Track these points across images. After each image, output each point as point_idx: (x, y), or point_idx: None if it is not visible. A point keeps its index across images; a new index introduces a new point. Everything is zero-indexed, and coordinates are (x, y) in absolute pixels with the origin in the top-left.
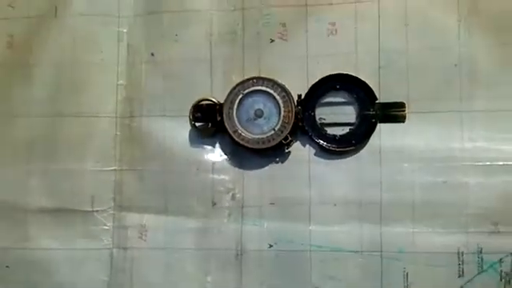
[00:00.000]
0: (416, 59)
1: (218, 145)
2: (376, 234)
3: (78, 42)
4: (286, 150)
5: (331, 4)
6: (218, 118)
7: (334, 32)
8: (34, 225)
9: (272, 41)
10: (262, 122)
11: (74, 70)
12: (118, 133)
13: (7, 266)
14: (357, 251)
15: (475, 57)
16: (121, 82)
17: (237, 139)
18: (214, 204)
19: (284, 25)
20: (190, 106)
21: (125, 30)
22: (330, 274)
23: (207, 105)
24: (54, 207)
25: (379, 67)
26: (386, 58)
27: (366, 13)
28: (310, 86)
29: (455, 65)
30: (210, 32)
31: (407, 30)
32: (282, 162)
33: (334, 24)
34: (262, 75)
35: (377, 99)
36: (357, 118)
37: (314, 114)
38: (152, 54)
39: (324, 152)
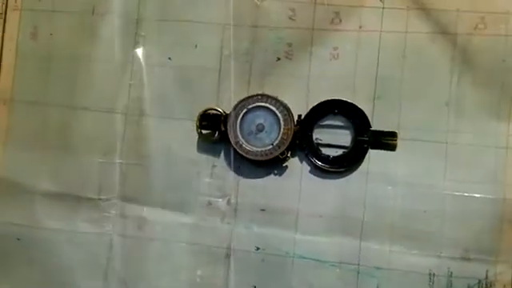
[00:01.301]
0: (409, 90)
1: (220, 152)
2: (355, 249)
3: (97, 40)
4: (283, 165)
5: (336, 30)
6: (222, 129)
7: (336, 56)
8: (40, 206)
9: (278, 59)
10: (262, 136)
11: (90, 66)
12: (127, 129)
13: (18, 239)
14: (336, 263)
15: (464, 97)
16: (133, 81)
17: (238, 150)
18: (209, 204)
19: (290, 45)
20: (197, 112)
21: (143, 33)
22: (309, 282)
23: (214, 114)
24: (61, 192)
25: (375, 94)
26: (382, 86)
27: (368, 41)
28: (309, 104)
29: (446, 104)
30: (221, 45)
31: (404, 62)
32: (279, 175)
33: (336, 49)
34: (266, 91)
35: (370, 126)
36: (351, 142)
37: (312, 135)
38: (169, 59)
39: (317, 170)
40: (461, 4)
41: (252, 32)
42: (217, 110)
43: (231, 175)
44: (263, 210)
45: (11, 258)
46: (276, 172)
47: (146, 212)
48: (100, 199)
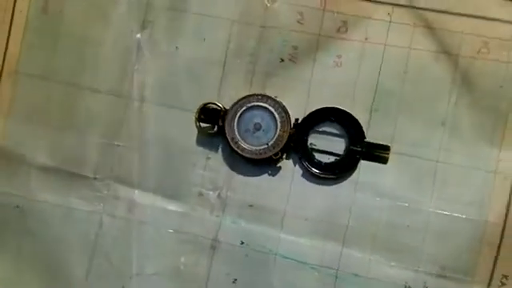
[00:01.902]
0: (407, 106)
1: (216, 146)
2: (336, 254)
3: (106, 22)
4: (277, 165)
5: (342, 38)
6: (220, 124)
7: (339, 64)
8: (36, 178)
9: (282, 60)
10: (258, 135)
11: (97, 47)
12: (128, 114)
13: (17, 206)
14: (316, 265)
15: (460, 118)
16: (138, 67)
17: (233, 146)
18: (200, 194)
19: (296, 48)
20: (198, 104)
21: (151, 19)
22: (289, 281)
23: (213, 109)
24: (58, 167)
25: (373, 106)
26: (381, 99)
27: (372, 53)
28: (308, 109)
29: (442, 123)
30: (228, 40)
31: (405, 77)
32: (273, 176)
33: (340, 57)
34: (267, 91)
35: (365, 138)
36: (344, 151)
37: (307, 139)
38: (176, 48)
39: (309, 174)
40: (466, 27)
41: (259, 31)
42: (217, 105)
43: (225, 169)
44: (251, 205)
45: (6, 227)
46: (269, 172)
47: (138, 195)
48: (95, 178)
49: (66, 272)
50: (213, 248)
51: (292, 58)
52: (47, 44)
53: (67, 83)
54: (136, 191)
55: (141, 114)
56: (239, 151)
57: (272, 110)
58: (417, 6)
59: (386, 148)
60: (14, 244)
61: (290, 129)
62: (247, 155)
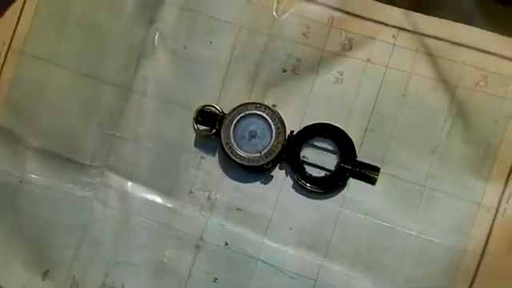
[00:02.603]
0: (402, 129)
1: (212, 147)
2: (316, 265)
3: (115, 12)
4: (270, 174)
5: (345, 56)
6: (217, 128)
7: (339, 81)
8: (32, 159)
9: (284, 71)
10: (253, 142)
11: (104, 36)
12: (128, 106)
13: (10, 185)
14: (295, 274)
15: (451, 147)
16: (144, 61)
17: (227, 151)
18: (191, 193)
19: (299, 60)
20: (198, 104)
21: (162, 15)
22: (267, 286)
23: (211, 112)
24: (53, 151)
25: (368, 125)
26: (377, 120)
27: (373, 73)
28: (304, 122)
29: (432, 151)
30: (234, 45)
31: (403, 100)
32: (265, 184)
33: (341, 74)
34: (267, 100)
35: (356, 156)
36: (335, 167)
37: (299, 152)
38: (184, 47)
39: (298, 186)
40: (468, 58)
41: (265, 40)
42: (215, 108)
43: (217, 171)
44: (239, 209)
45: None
46: (261, 180)
47: (130, 187)
48: (90, 166)
49: (53, 253)
50: (197, 246)
51: (294, 69)
52: (55, 28)
53: (70, 69)
54: (129, 182)
55: (141, 107)
56: (232, 156)
57: (269, 119)
58: (422, 32)
59: (376, 169)
60: (4, 221)
61: (284, 140)
62: (240, 161)
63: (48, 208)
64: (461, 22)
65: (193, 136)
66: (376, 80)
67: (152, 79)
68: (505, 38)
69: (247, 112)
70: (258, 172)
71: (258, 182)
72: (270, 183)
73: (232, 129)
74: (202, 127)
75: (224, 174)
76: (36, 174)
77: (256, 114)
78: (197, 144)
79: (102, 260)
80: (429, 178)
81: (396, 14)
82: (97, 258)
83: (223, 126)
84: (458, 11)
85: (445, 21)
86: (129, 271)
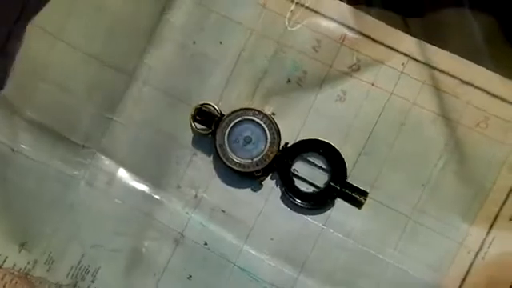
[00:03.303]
0: (395, 157)
1: (206, 146)
2: (292, 279)
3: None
4: (260, 182)
5: (351, 76)
6: (213, 128)
7: (342, 99)
8: (25, 131)
9: (289, 81)
10: (247, 148)
11: (115, 20)
12: (129, 92)
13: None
14: (269, 284)
15: (442, 184)
16: (150, 48)
17: (220, 152)
18: (178, 187)
19: (305, 72)
20: (198, 101)
21: (176, 6)
22: None
23: (209, 112)
24: (49, 126)
25: (363, 149)
26: (373, 144)
27: (376, 97)
28: (300, 135)
29: (423, 184)
30: (243, 47)
31: (401, 129)
32: (254, 191)
33: (345, 93)
34: (267, 107)
35: (346, 178)
36: (324, 185)
37: (291, 164)
38: (194, 43)
39: (285, 198)
40: (472, 97)
41: (274, 47)
42: (214, 109)
43: (208, 171)
44: (224, 211)
45: None
46: (251, 187)
47: (120, 172)
48: (82, 146)
49: (33, 227)
50: (176, 241)
51: (299, 81)
52: (66, 4)
53: (76, 48)
54: (119, 168)
55: (141, 95)
56: (224, 159)
57: (265, 128)
58: (432, 64)
59: (364, 193)
60: None
61: (278, 151)
62: (230, 165)
63: (35, 181)
64: (469, 58)
65: (188, 131)
66: (378, 104)
67: (156, 69)
68: (510, 82)
69: (245, 117)
70: (248, 178)
71: (247, 188)
72: (259, 192)
73: (227, 132)
74: (198, 125)
75: (214, 175)
76: (28, 145)
77: (253, 121)
78: (191, 140)
79: (80, 240)
80: (415, 210)
81: (409, 42)
82: (76, 238)
83: (219, 128)
84: (467, 47)
85: (456, 57)
86: (106, 256)
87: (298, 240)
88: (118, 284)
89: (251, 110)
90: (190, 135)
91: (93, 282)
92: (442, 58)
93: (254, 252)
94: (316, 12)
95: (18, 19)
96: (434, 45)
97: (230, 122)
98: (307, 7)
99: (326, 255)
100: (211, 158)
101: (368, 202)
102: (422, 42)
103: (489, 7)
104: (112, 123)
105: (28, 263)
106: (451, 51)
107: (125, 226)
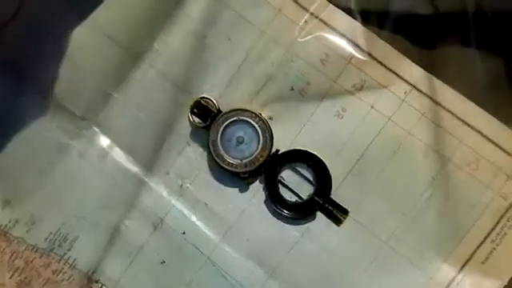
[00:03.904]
0: (382, 183)
1: (201, 138)
2: (260, 282)
3: None
4: (248, 184)
5: (353, 95)
6: (207, 123)
7: (340, 116)
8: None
9: (291, 89)
10: (239, 148)
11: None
12: (133, 73)
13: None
14: (237, 284)
15: (423, 216)
16: (162, 36)
17: (211, 147)
18: (167, 174)
19: (309, 83)
20: (200, 93)
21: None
22: (208, 286)
23: (206, 106)
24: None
25: (352, 169)
26: (362, 166)
27: (373, 120)
28: (293, 145)
29: (403, 213)
30: (251, 48)
31: (393, 156)
32: (240, 192)
33: (344, 110)
34: (265, 110)
35: (330, 194)
36: (307, 197)
37: (278, 171)
38: (205, 37)
39: (268, 203)
40: (468, 138)
41: (282, 53)
42: (212, 103)
43: (198, 162)
44: (206, 204)
45: None
46: (238, 187)
47: (112, 149)
48: (83, 118)
49: (20, 187)
50: (156, 226)
51: (301, 91)
52: None
53: (86, 22)
54: (112, 144)
55: (145, 77)
56: (214, 155)
57: (259, 131)
58: (434, 98)
59: (345, 212)
60: None
61: (268, 156)
62: (219, 162)
63: (28, 142)
64: (471, 98)
65: (185, 121)
66: (374, 128)
67: (164, 55)
68: (508, 130)
69: (241, 117)
70: (236, 178)
71: (233, 188)
72: (245, 195)
73: (222, 129)
74: (195, 118)
75: (204, 168)
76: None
77: (248, 123)
78: (187, 130)
79: (63, 208)
80: (393, 237)
81: (415, 72)
82: (59, 205)
83: (214, 124)
84: (470, 87)
85: (459, 95)
86: (86, 227)
87: (273, 246)
88: (92, 257)
89: (248, 111)
90: (186, 125)
91: (69, 250)
92: (445, 93)
93: (228, 249)
94: (328, 26)
95: None
96: (438, 78)
97: (226, 119)
98: (321, 19)
99: (297, 265)
100: (204, 151)
101: (348, 222)
102: (428, 74)
103: (496, 49)
104: (112, 100)
105: (9, 221)
106: (454, 88)
107: (109, 201)
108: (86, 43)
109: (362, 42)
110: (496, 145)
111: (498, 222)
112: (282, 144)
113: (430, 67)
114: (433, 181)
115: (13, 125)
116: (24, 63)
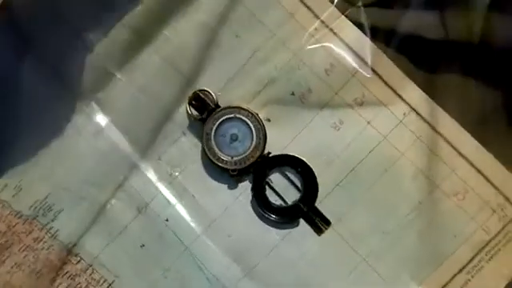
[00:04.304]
0: (368, 200)
1: (198, 129)
2: (236, 279)
3: None
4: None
5: (352, 108)
6: (204, 116)
7: (337, 127)
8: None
9: (292, 94)
10: (232, 145)
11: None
12: (140, 56)
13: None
14: (213, 278)
15: (404, 238)
16: (173, 23)
17: (204, 142)
18: (159, 159)
19: (310, 91)
20: (200, 86)
21: None
22: (183, 276)
23: (205, 100)
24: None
25: (341, 181)
26: (351, 180)
27: (369, 136)
28: (286, 150)
29: (384, 231)
30: (258, 47)
31: (383, 175)
32: (229, 189)
33: (341, 122)
34: (263, 111)
35: (314, 202)
36: (292, 202)
37: (267, 173)
38: (212, 30)
39: (253, 203)
40: (459, 168)
41: (289, 57)
42: (212, 97)
43: (190, 154)
44: (194, 196)
45: None
46: (228, 184)
47: (110, 129)
48: (83, 94)
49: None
50: (140, 209)
51: (302, 97)
52: None
53: None
54: (109, 123)
55: (149, 61)
56: (206, 149)
57: (253, 132)
58: (432, 124)
59: (327, 223)
60: None
61: (259, 157)
62: (210, 156)
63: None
64: (466, 127)
65: (184, 110)
66: (368, 144)
67: (172, 43)
68: (499, 166)
69: (237, 115)
70: (226, 174)
71: (222, 183)
72: (233, 192)
73: (217, 124)
74: (193, 110)
75: (195, 160)
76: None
77: (244, 122)
78: (184, 120)
79: (52, 179)
80: (371, 254)
81: (416, 94)
82: (49, 175)
83: (211, 118)
84: (467, 115)
85: (456, 124)
86: (72, 201)
87: (253, 245)
88: (75, 230)
89: (246, 110)
90: (184, 115)
91: (53, 220)
92: (444, 121)
93: (208, 242)
94: (337, 36)
95: None
96: (437, 103)
97: (223, 115)
98: (331, 29)
99: (274, 268)
100: (198, 143)
101: (329, 232)
102: (429, 98)
103: (496, 83)
104: (114, 80)
105: None
106: (452, 115)
107: (98, 179)
108: (96, 21)
109: (368, 57)
110: (486, 178)
111: (476, 255)
112: (275, 147)
113: (431, 91)
114: (419, 205)
115: (14, 88)
116: (30, 31)
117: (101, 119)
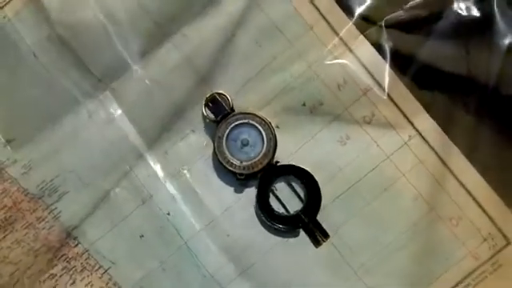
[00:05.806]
0: (368, 216)
1: (208, 129)
2: (230, 276)
3: None
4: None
5: (360, 126)
6: (218, 118)
7: (342, 143)
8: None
9: (303, 105)
10: (242, 150)
11: None
12: (158, 49)
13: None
14: (208, 274)
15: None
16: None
17: (216, 144)
18: (166, 153)
19: (321, 104)
20: (216, 88)
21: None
22: (180, 270)
23: (220, 103)
24: (74, 47)
25: (341, 195)
26: (351, 195)
27: (373, 155)
28: (294, 160)
29: (376, 247)
30: (275, 56)
31: (383, 194)
32: (235, 192)
33: (348, 138)
34: (275, 119)
35: (316, 216)
36: (294, 212)
37: (273, 181)
38: (233, 35)
39: (257, 208)
40: (457, 195)
41: (303, 68)
42: (228, 102)
43: (198, 152)
44: (197, 193)
45: None
46: (234, 187)
47: (121, 119)
48: (99, 80)
49: (25, 131)
50: (144, 200)
51: (312, 109)
52: None
53: None
54: (122, 113)
55: (168, 57)
56: (217, 151)
57: (265, 139)
58: (436, 150)
59: (326, 236)
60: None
61: (267, 164)
62: (220, 158)
63: (42, 91)
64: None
65: (195, 109)
66: (371, 162)
67: (192, 42)
68: (498, 199)
69: (251, 122)
70: (233, 176)
71: (227, 185)
72: (236, 192)
73: (230, 128)
74: (208, 112)
75: (203, 158)
76: (48, 56)
77: (257, 129)
78: (195, 118)
79: (61, 161)
80: (363, 268)
81: (424, 120)
82: (59, 157)
83: (225, 121)
84: (474, 151)
85: (460, 154)
86: (78, 184)
87: (250, 247)
88: (77, 214)
89: (259, 117)
90: (195, 113)
91: (57, 201)
92: (451, 150)
93: (207, 239)
94: (354, 54)
95: None
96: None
97: (237, 120)
98: (349, 47)
99: (269, 271)
100: (205, 142)
101: (326, 245)
102: (436, 125)
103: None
104: (131, 70)
105: (7, 159)
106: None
107: (106, 166)
108: (119, 8)
109: (382, 79)
110: (481, 207)
111: (463, 279)
112: (281, 153)
113: (442, 122)
114: (414, 226)
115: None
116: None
117: (113, 108)
